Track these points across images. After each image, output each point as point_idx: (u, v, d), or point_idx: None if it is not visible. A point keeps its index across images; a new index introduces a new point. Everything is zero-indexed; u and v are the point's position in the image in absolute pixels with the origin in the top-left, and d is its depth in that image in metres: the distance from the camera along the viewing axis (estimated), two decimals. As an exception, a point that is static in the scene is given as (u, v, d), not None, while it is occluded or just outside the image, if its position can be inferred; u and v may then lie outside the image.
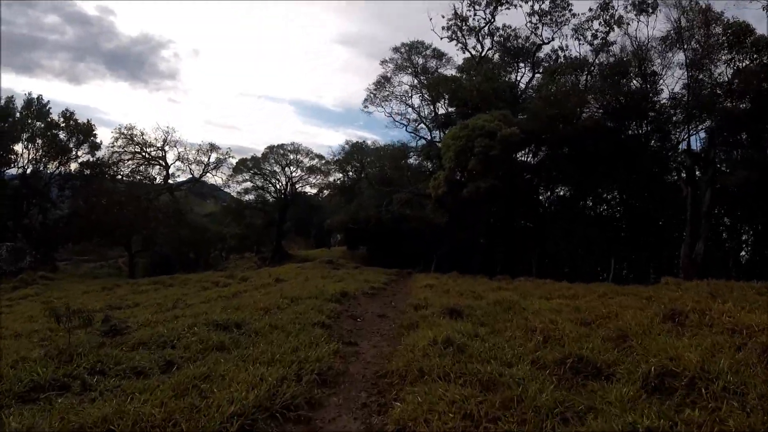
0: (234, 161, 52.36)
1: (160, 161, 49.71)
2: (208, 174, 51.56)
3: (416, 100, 45.83)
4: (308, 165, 51.87)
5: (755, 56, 32.77)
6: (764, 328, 7.29)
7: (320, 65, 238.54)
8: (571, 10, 39.97)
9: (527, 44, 43.04)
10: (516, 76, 44.18)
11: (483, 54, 43.60)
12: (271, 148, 52.31)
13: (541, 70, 42.62)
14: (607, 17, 38.07)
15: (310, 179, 52.95)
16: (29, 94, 44.52)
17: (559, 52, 42.05)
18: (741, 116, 31.65)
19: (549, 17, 41.02)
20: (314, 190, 56.36)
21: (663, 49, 35.45)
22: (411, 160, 48.41)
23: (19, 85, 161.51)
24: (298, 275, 24.90)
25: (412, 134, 47.02)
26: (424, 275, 27.74)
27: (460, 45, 43.70)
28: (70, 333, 7.93)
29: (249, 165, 52.26)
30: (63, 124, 45.04)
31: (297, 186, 52.57)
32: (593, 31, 39.22)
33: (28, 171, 43.69)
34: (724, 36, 32.79)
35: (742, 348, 6.69)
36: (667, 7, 33.96)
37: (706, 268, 26.08)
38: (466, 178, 32.14)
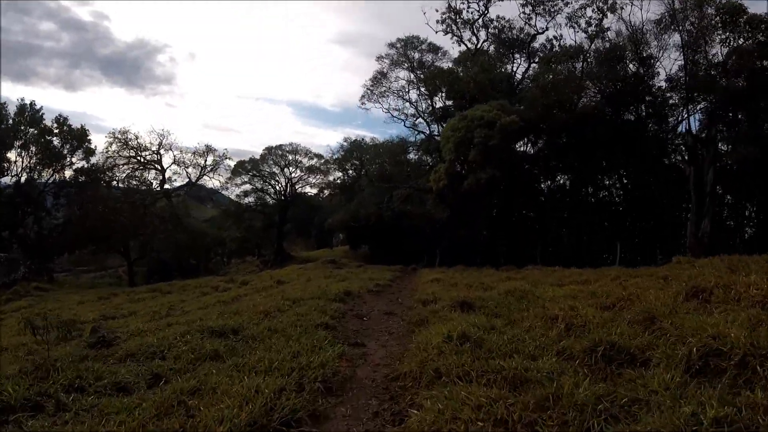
0: (231, 163, 51.94)
1: (156, 165, 49.02)
2: (205, 177, 50.90)
3: (413, 95, 45.34)
4: (307, 165, 51.93)
5: (750, 35, 32.40)
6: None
7: (318, 66, 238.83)
8: (564, -1, 39.34)
9: (522, 35, 42.55)
10: (512, 67, 43.73)
11: (478, 46, 43.24)
12: (269, 149, 52.24)
13: (536, 60, 42.26)
14: (601, 3, 37.58)
15: (310, 179, 52.96)
16: (22, 99, 43.72)
17: (554, 42, 41.67)
18: (740, 93, 31.16)
19: (542, 7, 40.52)
20: (314, 191, 56.15)
21: (658, 31, 35.09)
22: (410, 156, 47.94)
23: (15, 93, 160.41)
24: (300, 276, 24.30)
25: (411, 129, 46.45)
26: (429, 270, 27.32)
27: (455, 38, 43.44)
28: (49, 346, 7.31)
29: (247, 167, 52.04)
30: (56, 130, 44.18)
31: (297, 186, 52.46)
32: (587, 19, 38.67)
33: (23, 179, 42.85)
34: (718, 16, 32.52)
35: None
36: (660, -11, 33.56)
37: (713, 246, 25.66)
38: (467, 169, 31.80)
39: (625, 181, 39.91)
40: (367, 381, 6.45)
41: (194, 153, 49.98)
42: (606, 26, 38.10)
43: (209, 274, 40.23)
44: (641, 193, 37.33)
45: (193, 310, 14.22)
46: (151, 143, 48.59)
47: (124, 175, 48.10)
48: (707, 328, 5.78)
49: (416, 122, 45.79)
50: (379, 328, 10.31)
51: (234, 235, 53.55)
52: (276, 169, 51.63)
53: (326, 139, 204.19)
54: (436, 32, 43.33)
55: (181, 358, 7.16)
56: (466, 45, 43.35)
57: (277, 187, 52.06)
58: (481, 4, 41.61)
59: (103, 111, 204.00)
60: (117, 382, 6.16)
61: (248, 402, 4.95)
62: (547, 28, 41.16)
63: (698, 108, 35.02)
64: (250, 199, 53.83)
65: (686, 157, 31.88)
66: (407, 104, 45.45)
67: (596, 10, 37.86)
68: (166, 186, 49.51)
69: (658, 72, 36.75)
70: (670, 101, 36.79)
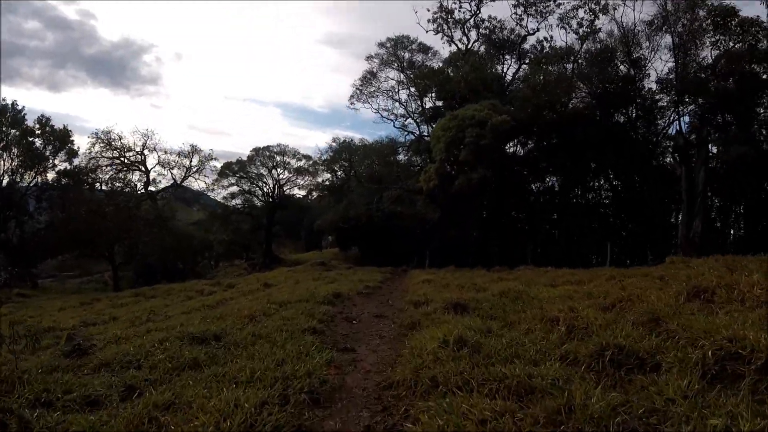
0: (218, 164, 51.36)
1: (140, 166, 48.26)
2: (190, 178, 50.16)
3: (403, 95, 45.32)
4: (295, 166, 51.76)
5: (740, 38, 32.62)
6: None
7: (307, 67, 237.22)
8: (556, 0, 39.22)
9: (512, 36, 42.39)
10: (502, 68, 43.57)
11: (469, 46, 43.09)
12: (257, 150, 51.95)
13: (527, 61, 42.10)
14: (593, 5, 37.57)
15: (298, 181, 52.72)
16: (3, 99, 42.91)
17: (544, 43, 41.46)
18: (730, 96, 31.10)
19: (534, 8, 40.41)
20: (303, 192, 55.99)
21: (650, 33, 35.00)
22: (400, 157, 47.87)
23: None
24: (288, 279, 23.95)
25: (400, 129, 46.44)
26: (419, 271, 27.04)
27: (446, 38, 43.26)
28: (17, 357, 6.84)
29: (234, 168, 51.63)
30: (39, 131, 43.54)
31: (285, 188, 52.27)
32: (579, 20, 38.63)
33: (4, 182, 42.09)
34: (710, 18, 32.63)
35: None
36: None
37: (703, 246, 25.54)
38: (457, 169, 31.56)
39: (615, 183, 39.90)
40: (358, 390, 5.99)
41: (179, 154, 49.27)
42: (597, 27, 38.10)
43: (197, 278, 39.44)
44: (631, 194, 37.43)
45: (176, 315, 13.75)
46: (134, 144, 48.02)
47: (108, 176, 47.42)
48: (720, 329, 5.41)
49: (406, 123, 45.80)
50: (369, 331, 9.89)
51: (221, 238, 53.16)
52: (264, 171, 51.37)
53: (315, 141, 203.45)
54: (427, 32, 43.25)
55: (158, 368, 6.70)
56: (456, 45, 43.23)
57: (265, 189, 51.73)
58: (473, 4, 41.52)
59: (87, 112, 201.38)
60: (87, 395, 5.69)
61: (226, 418, 4.51)
62: (538, 29, 41.11)
63: (689, 110, 34.95)
64: (237, 201, 53.42)
65: (677, 158, 31.71)
66: (397, 104, 45.45)
67: (588, 11, 37.96)
68: (151, 188, 48.84)
69: (649, 74, 36.91)
70: (660, 103, 36.84)
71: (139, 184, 48.89)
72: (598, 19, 37.63)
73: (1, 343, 7.46)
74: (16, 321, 14.66)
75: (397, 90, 45.07)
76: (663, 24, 33.39)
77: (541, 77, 37.01)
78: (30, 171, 43.23)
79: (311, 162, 52.33)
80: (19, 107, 42.85)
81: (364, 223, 40.96)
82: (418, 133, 44.99)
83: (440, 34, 42.87)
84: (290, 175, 51.80)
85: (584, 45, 38.56)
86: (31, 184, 43.99)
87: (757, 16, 32.73)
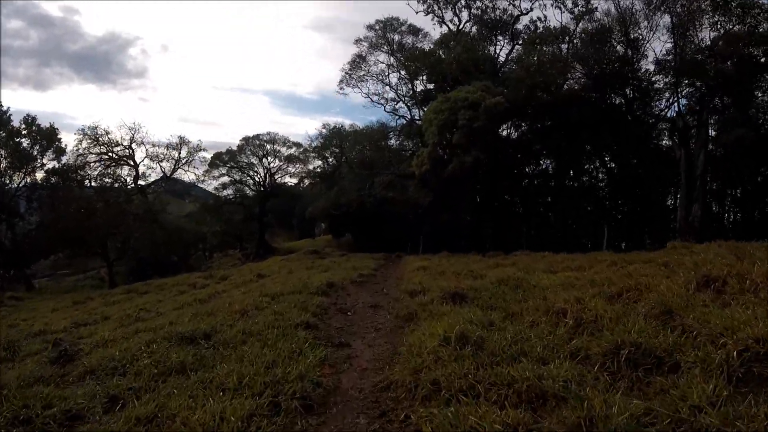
0: (207, 155, 50.63)
1: (129, 161, 47.44)
2: (179, 170, 49.36)
3: (393, 79, 44.58)
4: (286, 154, 51.22)
5: (740, 19, 31.83)
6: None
7: (294, 53, 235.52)
8: (550, -22, 38.33)
9: (505, 16, 41.39)
10: (494, 49, 42.63)
11: (460, 27, 42.18)
12: (246, 139, 51.32)
13: (520, 42, 41.15)
14: (590, -17, 36.68)
15: (289, 169, 52.23)
16: (-10, 103, 41.84)
17: (538, 23, 40.47)
18: (729, 78, 30.58)
19: (528, -14, 39.49)
20: (294, 180, 55.34)
21: (648, 12, 34.28)
22: (391, 142, 47.09)
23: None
24: (281, 269, 23.51)
25: (391, 114, 45.79)
26: (413, 257, 26.63)
27: (436, 19, 42.35)
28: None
29: (225, 159, 50.97)
30: (25, 131, 42.72)
31: (276, 177, 51.74)
32: (573, -1, 37.79)
33: (-7, 185, 41.22)
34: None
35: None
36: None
37: (703, 231, 25.25)
38: (450, 153, 31.10)
39: (610, 165, 39.53)
40: (354, 392, 5.62)
41: (167, 146, 48.49)
42: (593, 6, 37.30)
43: (191, 271, 39.11)
44: (627, 177, 36.88)
45: (168, 312, 13.37)
46: (122, 138, 47.02)
47: (96, 173, 46.45)
48: (742, 326, 5.03)
49: (396, 107, 45.21)
50: (364, 323, 9.55)
51: (214, 229, 52.84)
52: (254, 160, 50.85)
53: (305, 129, 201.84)
54: (417, 12, 42.49)
55: (143, 375, 6.29)
56: (447, 26, 42.37)
57: (256, 178, 51.32)
58: (464, -18, 40.46)
59: (74, 110, 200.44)
60: (68, 409, 5.31)
61: (210, 434, 4.13)
62: (531, 9, 40.22)
63: (687, 91, 34.32)
64: (228, 192, 52.80)
65: (677, 141, 31.26)
66: (387, 88, 44.77)
67: (585, -11, 37.06)
68: (141, 182, 48.00)
69: (647, 55, 36.08)
70: (657, 85, 36.25)
71: (128, 179, 48.08)
72: (592, -1, 36.83)
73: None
74: (11, 325, 14.37)
75: (387, 74, 44.38)
76: (662, 3, 32.71)
77: (536, 57, 36.33)
78: (18, 172, 42.55)
79: (302, 149, 51.88)
80: (4, 108, 42.06)
81: (356, 210, 40.59)
82: (409, 117, 44.41)
83: (431, 15, 42.06)
84: (281, 164, 51.36)
85: (579, 25, 37.83)
86: (21, 185, 43.33)
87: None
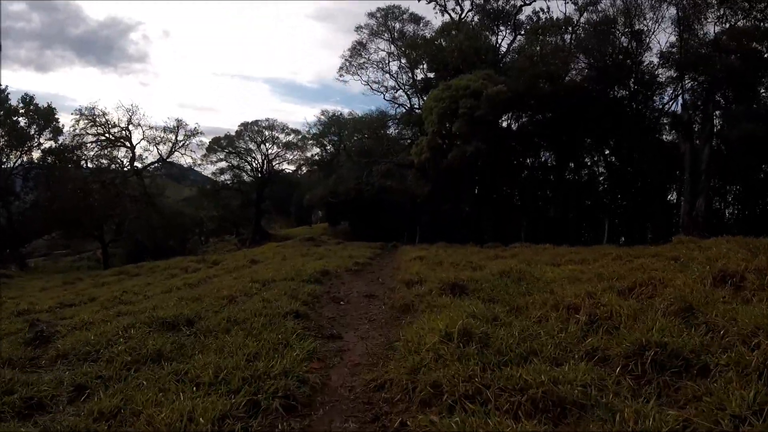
0: (205, 139, 50.23)
1: (125, 142, 46.82)
2: (176, 153, 48.68)
3: (393, 67, 44.19)
4: (284, 141, 51.12)
5: (746, 13, 31.12)
6: None
7: (295, 42, 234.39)
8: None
9: (507, 6, 40.85)
10: (496, 39, 42.06)
11: (462, 16, 41.68)
12: (245, 125, 51.29)
13: (522, 33, 40.69)
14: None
15: (287, 155, 52.19)
16: (-11, 81, 41.75)
17: (540, 14, 39.72)
18: (735, 71, 29.94)
19: (532, -23, 38.90)
20: (292, 167, 55.35)
21: (654, 3, 33.61)
22: (390, 130, 46.85)
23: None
24: (275, 255, 23.11)
25: (391, 102, 45.54)
26: (410, 247, 26.31)
27: (438, 7, 41.69)
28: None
29: (223, 144, 50.97)
30: (23, 110, 42.67)
31: (274, 163, 51.66)
32: (578, -11, 37.00)
33: (-10, 163, 41.05)
34: None
35: None
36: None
37: (707, 225, 24.79)
38: (450, 143, 30.74)
39: (611, 159, 39.06)
40: (344, 391, 5.04)
41: (164, 129, 47.87)
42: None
43: (187, 255, 38.79)
44: (627, 170, 36.48)
45: (155, 295, 12.88)
46: (119, 120, 46.46)
47: (92, 153, 45.90)
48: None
49: (396, 95, 44.96)
50: (358, 314, 9.00)
51: (211, 214, 53.14)
52: (252, 146, 50.86)
53: (304, 116, 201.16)
54: (419, 0, 41.73)
55: (115, 362, 5.72)
56: (450, 14, 41.78)
57: (254, 164, 51.38)
58: (467, -29, 39.84)
59: (75, 92, 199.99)
60: (30, 396, 4.78)
61: (175, 438, 3.59)
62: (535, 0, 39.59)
63: (692, 85, 33.66)
64: (226, 177, 52.94)
65: (682, 134, 30.67)
66: (387, 76, 44.39)
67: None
68: (137, 164, 47.45)
69: (651, 47, 35.58)
70: (660, 78, 35.71)
71: (125, 161, 47.57)
72: (597, -11, 36.11)
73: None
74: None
75: (387, 61, 43.99)
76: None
77: (538, 47, 35.78)
78: (15, 151, 42.48)
79: (300, 136, 51.68)
80: (2, 87, 41.99)
81: (354, 198, 40.55)
82: (408, 105, 44.12)
83: (433, 3, 41.39)
84: (279, 150, 51.24)
85: (583, 16, 37.23)
86: (17, 164, 43.30)
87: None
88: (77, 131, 44.16)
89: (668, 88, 35.78)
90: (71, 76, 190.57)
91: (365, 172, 40.85)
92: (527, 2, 39.89)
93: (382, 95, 44.97)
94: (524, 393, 3.86)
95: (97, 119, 44.70)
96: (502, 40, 41.93)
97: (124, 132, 46.19)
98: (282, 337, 6.26)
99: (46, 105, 43.95)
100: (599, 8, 36.45)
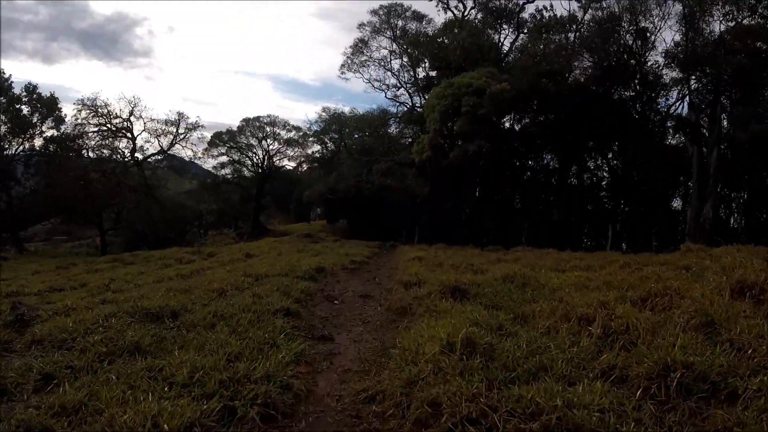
0: (206, 133, 50.34)
1: (127, 133, 46.44)
2: (177, 146, 48.26)
3: (395, 65, 43.90)
4: (285, 137, 50.81)
5: (752, 10, 30.43)
6: None
7: (298, 40, 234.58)
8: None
9: (510, 4, 40.40)
10: (499, 38, 41.67)
11: (465, 14, 41.20)
12: (247, 120, 51.02)
13: (525, 31, 40.32)
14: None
15: (288, 152, 51.82)
16: (-3, 71, 41.90)
17: (544, 12, 39.13)
18: (743, 71, 29.24)
19: (535, -26, 38.45)
20: (293, 164, 55.37)
21: (659, 1, 32.98)
22: (391, 129, 46.59)
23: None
24: (271, 250, 22.85)
25: (392, 100, 45.11)
26: (409, 247, 25.99)
27: (441, 4, 41.12)
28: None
29: (224, 138, 50.81)
30: (26, 99, 42.64)
31: (274, 159, 51.42)
32: (582, -14, 36.35)
33: (-8, 149, 41.19)
34: None
35: None
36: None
37: (714, 233, 24.25)
38: (452, 142, 30.50)
39: (614, 162, 38.57)
40: (331, 400, 4.55)
41: (165, 122, 47.50)
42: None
43: (185, 246, 38.58)
44: (632, 174, 36.02)
45: (146, 284, 12.54)
46: (121, 111, 46.10)
47: (93, 143, 45.50)
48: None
49: (398, 93, 44.64)
50: (352, 314, 8.56)
51: (211, 208, 53.06)
52: (253, 141, 50.63)
53: (305, 113, 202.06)
54: (422, -3, 41.51)
55: (89, 352, 5.33)
56: (452, 12, 41.25)
57: (255, 160, 51.09)
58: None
59: (80, 84, 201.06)
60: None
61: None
62: (538, -3, 39.06)
63: (699, 85, 32.94)
64: (227, 171, 52.84)
65: (689, 136, 30.04)
66: (389, 74, 44.07)
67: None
68: (138, 155, 47.13)
69: (655, 46, 34.65)
70: (667, 77, 34.86)
71: (126, 152, 47.23)
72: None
73: None
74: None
75: (389, 59, 43.70)
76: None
77: (542, 46, 35.30)
78: (17, 138, 42.40)
79: (301, 133, 51.41)
80: (6, 75, 41.86)
81: (353, 196, 40.22)
82: (410, 104, 43.82)
83: (435, 0, 40.92)
84: (280, 146, 50.91)
85: (587, 13, 36.47)
86: (18, 151, 43.29)
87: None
88: (79, 121, 43.99)
89: (673, 90, 35.20)
90: (77, 68, 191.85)
91: (365, 170, 40.79)
92: (530, 0, 39.53)
93: (384, 93, 44.73)
94: (536, 419, 3.37)
95: (99, 110, 44.47)
96: (505, 38, 41.67)
97: (125, 123, 45.96)
98: (269, 337, 5.81)
99: (49, 94, 44.05)
100: (604, 5, 35.61)
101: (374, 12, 42.74)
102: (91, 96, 44.37)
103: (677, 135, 36.43)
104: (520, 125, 38.73)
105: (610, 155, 38.58)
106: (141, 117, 46.44)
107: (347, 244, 26.33)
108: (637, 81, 34.99)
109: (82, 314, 7.13)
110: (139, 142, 46.58)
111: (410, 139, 41.17)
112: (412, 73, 43.07)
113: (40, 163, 43.56)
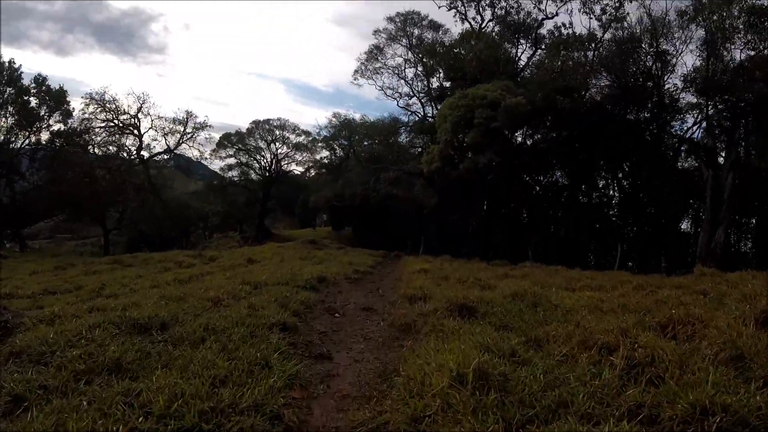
0: (214, 132, 50.18)
1: (134, 130, 46.30)
2: (183, 145, 48.20)
3: (409, 74, 43.96)
4: (294, 142, 50.93)
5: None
6: None
7: (313, 45, 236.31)
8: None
9: (529, 19, 40.38)
10: (516, 52, 41.56)
11: (482, 26, 41.12)
12: (256, 123, 51.15)
13: (542, 47, 40.03)
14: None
15: (297, 156, 51.97)
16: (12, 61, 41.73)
17: (562, 29, 39.05)
18: (766, 97, 28.67)
19: (555, -9, 38.09)
20: (301, 169, 55.26)
21: (681, 24, 32.51)
22: (401, 138, 46.60)
23: (4, 56, 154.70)
24: (274, 256, 22.63)
25: (404, 109, 45.24)
26: (414, 258, 25.43)
27: (459, 15, 41.04)
28: None
29: (233, 140, 50.81)
30: (34, 90, 42.55)
31: (282, 163, 51.51)
32: (603, 6, 35.75)
33: (-2, 141, 40.95)
34: (742, 17, 29.84)
35: None
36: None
37: (726, 258, 23.77)
38: (462, 154, 30.17)
39: (625, 182, 38.08)
40: (326, 432, 4.14)
41: (173, 120, 47.35)
42: (624, 13, 35.21)
43: (190, 248, 38.46)
44: (642, 196, 35.59)
45: (142, 289, 12.13)
46: (129, 107, 46.21)
47: (100, 138, 45.62)
48: None
49: (410, 102, 44.78)
50: (353, 329, 8.12)
51: (217, 210, 52.68)
52: (262, 144, 50.69)
53: (315, 118, 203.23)
54: (440, 7, 41.27)
55: (65, 370, 4.85)
56: (470, 23, 41.17)
57: (263, 163, 51.19)
58: (489, -20, 39.16)
59: (92, 78, 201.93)
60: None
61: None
62: (557, 14, 38.79)
63: (717, 110, 32.42)
64: (234, 173, 52.80)
65: (704, 160, 29.55)
66: (402, 82, 44.21)
67: (615, -3, 35.40)
68: (144, 153, 46.96)
69: (674, 69, 34.19)
70: (683, 101, 34.39)
71: (132, 149, 47.20)
72: (623, 7, 34.97)
73: None
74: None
75: (403, 68, 43.77)
76: (696, 16, 31.00)
77: (559, 62, 34.93)
78: (24, 131, 42.27)
79: (310, 138, 51.36)
80: (16, 66, 41.81)
81: (360, 204, 40.06)
82: (422, 114, 43.89)
83: (453, 11, 40.74)
84: (288, 150, 51.03)
85: (607, 33, 36.17)
86: (25, 145, 43.07)
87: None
88: (86, 115, 44.02)
89: (689, 114, 34.70)
90: (90, 62, 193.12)
91: (373, 179, 40.48)
92: (549, 16, 39.28)
93: (396, 102, 44.91)
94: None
95: (107, 105, 44.48)
96: (522, 53, 41.53)
97: (133, 120, 45.83)
98: (261, 356, 5.33)
99: (58, 87, 43.82)
100: (625, 24, 35.32)
101: (390, 19, 42.91)
102: (100, 90, 44.44)
103: (689, 159, 36.25)
104: (532, 140, 38.48)
105: (620, 175, 38.11)
106: (149, 114, 46.69)
107: (351, 252, 26.02)
108: (653, 102, 34.60)
109: (67, 324, 6.69)
110: (145, 139, 46.93)
111: (420, 149, 41.07)
112: (425, 82, 43.13)
113: (46, 157, 43.28)
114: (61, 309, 8.16)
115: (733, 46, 30.93)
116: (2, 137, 41.01)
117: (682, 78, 33.10)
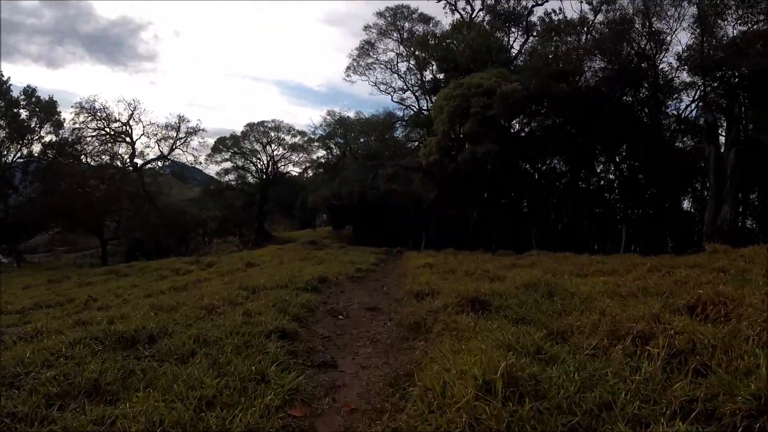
0: (207, 136, 49.85)
1: (126, 138, 45.84)
2: (177, 150, 47.81)
3: (402, 68, 43.78)
4: (290, 142, 50.82)
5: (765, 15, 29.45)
6: None
7: (306, 45, 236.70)
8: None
9: (519, 7, 40.21)
10: (508, 40, 41.30)
11: (473, 16, 41.03)
12: (251, 125, 50.99)
13: (533, 34, 39.92)
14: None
15: (293, 157, 51.96)
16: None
17: (553, 15, 38.89)
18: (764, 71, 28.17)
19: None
20: (298, 170, 55.29)
21: (673, 2, 32.19)
22: (397, 133, 46.64)
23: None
24: (273, 258, 22.15)
25: (398, 103, 45.05)
26: (416, 253, 24.94)
27: (449, 6, 41.16)
28: None
29: (228, 144, 50.70)
30: (24, 102, 42.33)
31: (279, 165, 51.45)
32: (593, -11, 35.64)
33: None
34: None
35: None
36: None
37: (733, 235, 23.35)
38: (459, 145, 30.00)
39: (624, 165, 37.88)
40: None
41: (166, 126, 46.92)
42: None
43: (190, 254, 38.31)
44: (642, 177, 35.55)
45: (135, 299, 11.69)
46: (120, 114, 45.79)
47: (92, 148, 45.24)
48: None
49: (404, 96, 44.57)
50: (359, 332, 7.57)
51: (214, 215, 52.48)
52: (258, 147, 50.59)
53: (310, 118, 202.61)
54: (429, -1, 40.85)
55: (37, 394, 4.29)
56: (460, 13, 41.16)
57: (259, 165, 51.06)
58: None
59: (85, 89, 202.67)
60: None
61: None
62: (547, 0, 38.46)
63: (714, 85, 32.04)
64: (230, 177, 52.69)
65: (705, 137, 29.16)
66: (395, 77, 43.96)
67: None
68: (137, 160, 46.53)
69: (668, 48, 34.14)
70: (678, 81, 34.45)
71: (125, 157, 46.81)
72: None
73: None
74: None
75: (396, 62, 43.54)
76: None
77: (552, 47, 34.55)
78: (15, 143, 42.04)
79: (306, 138, 51.28)
80: (5, 78, 41.50)
81: (358, 201, 39.59)
82: (417, 107, 43.66)
83: (443, 2, 40.80)
84: (284, 152, 50.94)
85: (598, 16, 35.95)
86: (17, 158, 42.93)
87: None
88: (77, 125, 43.75)
89: (684, 93, 34.73)
90: (81, 72, 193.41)
91: (370, 175, 40.02)
92: (539, 3, 39.25)
93: (390, 96, 44.76)
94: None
95: (98, 113, 44.11)
96: (514, 41, 41.31)
97: (124, 127, 45.45)
98: (257, 369, 4.75)
99: (48, 98, 43.59)
100: (617, 6, 35.03)
101: (380, 14, 42.76)
102: (89, 99, 44.04)
103: (686, 138, 36.15)
104: (528, 128, 38.36)
105: (618, 158, 37.80)
106: (140, 121, 46.13)
107: (352, 251, 25.59)
108: (648, 83, 34.33)
109: (47, 340, 6.15)
110: (138, 146, 46.70)
111: (416, 143, 41.15)
112: (419, 75, 42.94)
113: (38, 169, 43.12)
114: (44, 324, 7.62)
115: (725, 22, 30.71)
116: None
117: (676, 57, 32.96)
